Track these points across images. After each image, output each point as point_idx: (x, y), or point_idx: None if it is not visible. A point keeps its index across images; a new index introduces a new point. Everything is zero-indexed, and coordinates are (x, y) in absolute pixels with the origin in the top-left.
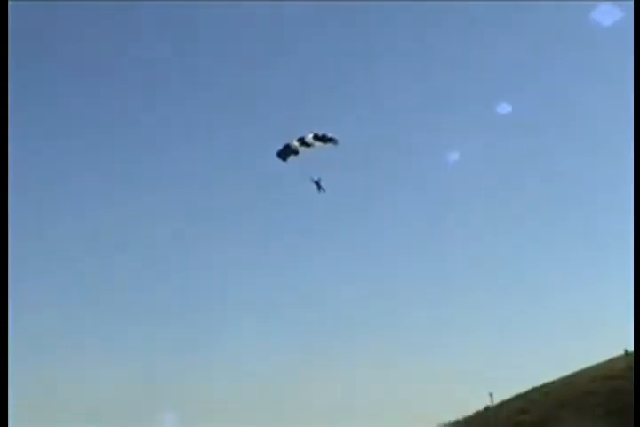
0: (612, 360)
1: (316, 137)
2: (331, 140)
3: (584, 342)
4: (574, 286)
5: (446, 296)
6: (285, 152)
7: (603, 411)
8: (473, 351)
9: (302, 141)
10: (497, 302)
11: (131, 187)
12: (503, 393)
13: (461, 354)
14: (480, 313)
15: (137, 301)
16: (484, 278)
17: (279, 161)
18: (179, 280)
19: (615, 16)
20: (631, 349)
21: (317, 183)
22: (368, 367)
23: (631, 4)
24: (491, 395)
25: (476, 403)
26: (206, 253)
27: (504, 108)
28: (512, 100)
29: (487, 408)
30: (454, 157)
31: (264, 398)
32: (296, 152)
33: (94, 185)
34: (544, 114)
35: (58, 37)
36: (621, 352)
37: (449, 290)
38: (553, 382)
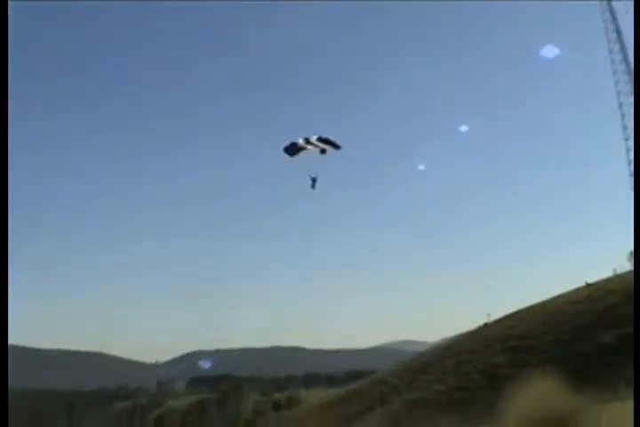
0: (576, 290)
1: (320, 139)
2: (333, 144)
3: (557, 276)
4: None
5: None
6: (292, 148)
7: (569, 326)
8: (474, 279)
9: (307, 141)
10: (495, 244)
11: None
12: (497, 313)
13: (465, 281)
14: (483, 249)
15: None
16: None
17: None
18: None
19: (558, 51)
20: (590, 281)
21: (314, 180)
22: (383, 288)
23: (631, 4)
24: (488, 315)
25: (476, 320)
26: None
27: (463, 128)
28: (469, 120)
29: (486, 324)
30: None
31: None
32: (302, 149)
33: None
34: (496, 132)
35: None
36: (583, 284)
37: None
38: (534, 305)
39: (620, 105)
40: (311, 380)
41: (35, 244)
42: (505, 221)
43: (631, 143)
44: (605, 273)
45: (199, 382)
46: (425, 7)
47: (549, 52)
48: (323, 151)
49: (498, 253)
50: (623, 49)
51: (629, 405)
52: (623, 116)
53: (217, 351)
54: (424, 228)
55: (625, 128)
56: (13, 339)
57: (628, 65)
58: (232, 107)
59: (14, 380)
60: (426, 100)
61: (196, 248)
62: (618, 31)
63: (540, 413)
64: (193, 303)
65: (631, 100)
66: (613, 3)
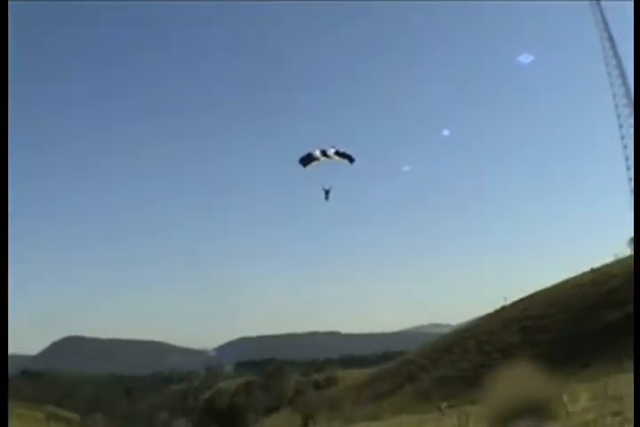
0: (582, 274)
1: (337, 153)
2: (349, 158)
3: (565, 262)
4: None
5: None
6: (307, 159)
7: (577, 307)
8: (492, 268)
9: (324, 153)
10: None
11: None
12: (512, 297)
13: (484, 269)
14: (499, 240)
15: None
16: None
17: None
18: None
19: (532, 58)
20: (594, 266)
21: (327, 192)
22: (401, 269)
23: (631, 4)
24: (504, 298)
25: (494, 304)
26: None
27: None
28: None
29: (503, 307)
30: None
31: None
32: (316, 160)
33: None
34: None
35: None
36: (588, 269)
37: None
38: (545, 289)
39: (619, 116)
40: (346, 361)
41: (103, 241)
42: (515, 216)
43: (630, 151)
44: (607, 258)
45: (245, 365)
46: (416, 14)
47: (525, 58)
48: (342, 157)
49: (512, 244)
50: (617, 56)
51: (631, 376)
52: (619, 118)
53: (260, 337)
54: (449, 221)
55: (623, 137)
56: (77, 330)
57: (622, 75)
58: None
59: (79, 367)
60: (410, 106)
61: (230, 245)
62: (611, 38)
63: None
64: (235, 294)
65: (629, 109)
66: (603, 5)
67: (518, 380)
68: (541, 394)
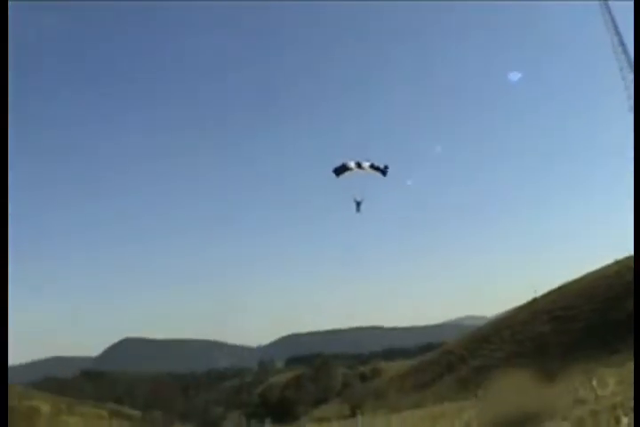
0: (607, 266)
1: (372, 166)
2: (383, 172)
3: (591, 255)
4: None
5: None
6: (341, 170)
7: (602, 298)
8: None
9: (358, 165)
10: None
11: None
12: (543, 289)
13: (515, 264)
14: (532, 237)
15: None
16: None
17: None
18: None
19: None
20: (618, 259)
21: (359, 203)
22: (431, 264)
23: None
24: (535, 291)
25: (526, 296)
26: None
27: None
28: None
29: (534, 299)
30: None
31: None
32: (349, 169)
33: None
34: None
35: None
36: (612, 261)
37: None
38: (573, 281)
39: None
40: (389, 354)
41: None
42: (543, 214)
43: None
44: (629, 251)
45: (295, 360)
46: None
47: (514, 76)
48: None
49: (540, 240)
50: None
51: None
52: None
53: (308, 334)
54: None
55: None
56: (134, 332)
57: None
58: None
59: (137, 366)
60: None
61: (275, 247)
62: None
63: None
64: (284, 293)
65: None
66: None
67: (548, 368)
68: (571, 382)
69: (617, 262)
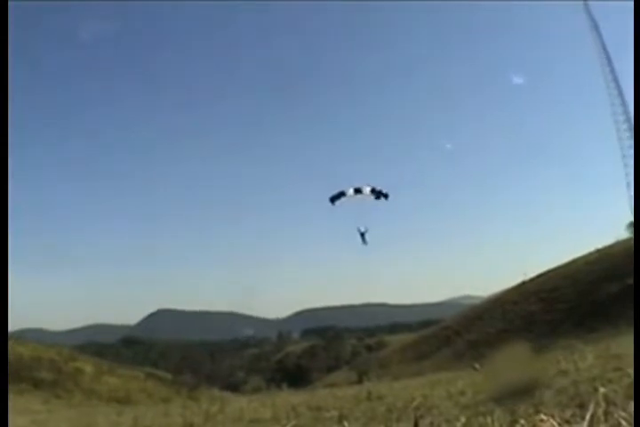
0: (589, 253)
1: (373, 191)
2: (385, 196)
3: (575, 243)
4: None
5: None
6: (338, 197)
7: (585, 281)
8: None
9: (357, 191)
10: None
11: None
12: (532, 272)
13: (508, 250)
14: (520, 226)
15: None
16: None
17: None
18: None
19: (524, 77)
20: (599, 247)
21: (363, 234)
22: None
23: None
24: (525, 274)
25: (516, 278)
26: None
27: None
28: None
29: (524, 281)
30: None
31: None
32: (345, 195)
33: None
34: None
35: None
36: (594, 249)
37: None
38: (559, 266)
39: (620, 140)
40: (393, 328)
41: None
42: (527, 210)
43: (631, 178)
44: (609, 240)
45: (310, 332)
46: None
47: (519, 78)
48: (357, 191)
49: (532, 229)
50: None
51: (628, 338)
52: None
53: (322, 308)
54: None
55: (626, 165)
56: (169, 304)
57: (621, 97)
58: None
59: (171, 335)
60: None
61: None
62: (608, 57)
63: (566, 343)
64: (302, 270)
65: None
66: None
67: (535, 343)
68: (555, 355)
69: (598, 251)
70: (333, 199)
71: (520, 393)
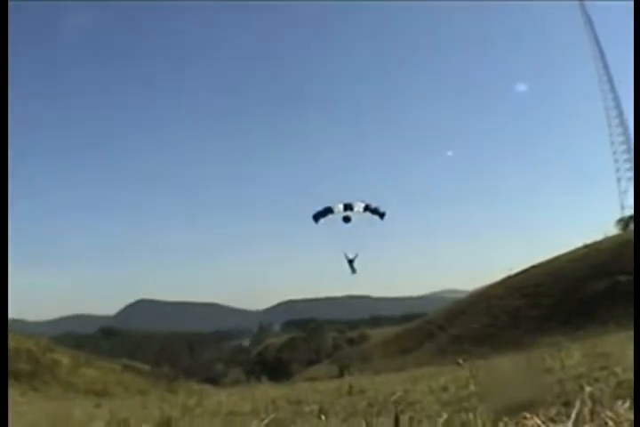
0: (576, 249)
1: (367, 208)
2: (380, 214)
3: (562, 239)
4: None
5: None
6: (324, 214)
7: (571, 278)
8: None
9: (349, 208)
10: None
11: None
12: (517, 268)
13: (494, 245)
14: (505, 224)
15: None
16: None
17: None
18: None
19: (528, 85)
20: (587, 243)
21: (351, 262)
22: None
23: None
24: (510, 269)
25: (501, 273)
26: None
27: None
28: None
29: (509, 276)
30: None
31: None
32: (333, 211)
33: None
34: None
35: None
36: (581, 245)
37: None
38: (544, 262)
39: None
40: (376, 321)
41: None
42: (520, 201)
43: (621, 173)
44: (598, 237)
45: (290, 324)
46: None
47: (521, 87)
48: (346, 220)
49: (518, 226)
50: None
51: (616, 336)
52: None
53: (303, 300)
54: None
55: (619, 180)
56: (148, 294)
57: (614, 92)
58: None
59: (150, 326)
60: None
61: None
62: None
63: (551, 340)
64: (283, 262)
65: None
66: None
67: (519, 339)
68: (540, 352)
69: (586, 246)
70: (317, 217)
71: (505, 390)
